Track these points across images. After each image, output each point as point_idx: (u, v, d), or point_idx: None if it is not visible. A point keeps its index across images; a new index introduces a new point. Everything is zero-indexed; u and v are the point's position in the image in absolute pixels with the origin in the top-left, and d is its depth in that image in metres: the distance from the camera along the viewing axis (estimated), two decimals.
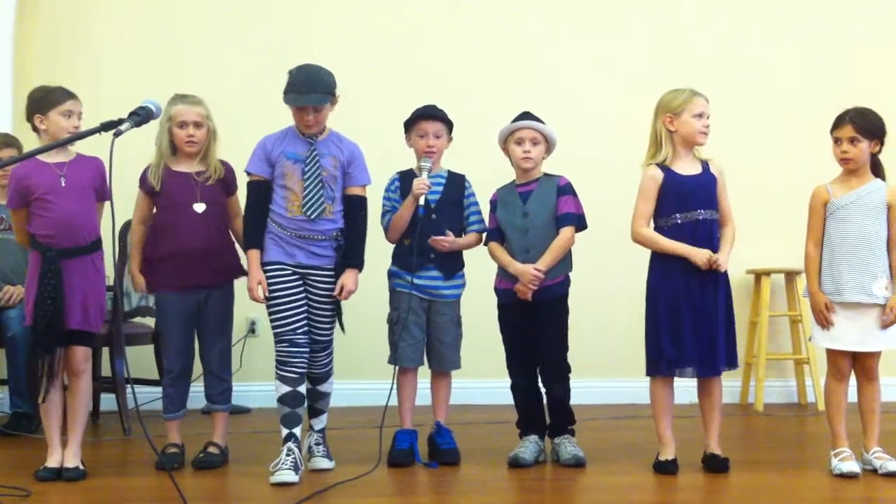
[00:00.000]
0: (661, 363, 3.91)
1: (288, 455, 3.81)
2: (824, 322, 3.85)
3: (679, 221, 3.91)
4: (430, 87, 5.47)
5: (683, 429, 4.27)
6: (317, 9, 5.89)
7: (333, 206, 3.95)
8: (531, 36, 5.95)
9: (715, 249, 3.87)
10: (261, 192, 3.95)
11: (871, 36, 6.04)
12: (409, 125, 4.27)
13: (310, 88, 3.87)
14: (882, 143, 3.88)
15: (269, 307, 3.94)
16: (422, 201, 4.10)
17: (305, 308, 3.95)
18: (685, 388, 4.19)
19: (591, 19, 6.00)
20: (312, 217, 3.89)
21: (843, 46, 6.01)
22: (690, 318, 3.85)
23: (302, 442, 3.99)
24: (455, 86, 5.73)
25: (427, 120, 4.22)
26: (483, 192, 4.32)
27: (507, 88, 5.73)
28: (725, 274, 3.91)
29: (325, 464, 3.99)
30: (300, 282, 3.94)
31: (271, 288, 3.91)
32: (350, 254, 3.97)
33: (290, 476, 3.74)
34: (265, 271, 3.92)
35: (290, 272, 3.92)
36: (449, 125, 4.27)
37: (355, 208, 4.00)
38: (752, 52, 5.99)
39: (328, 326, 4.01)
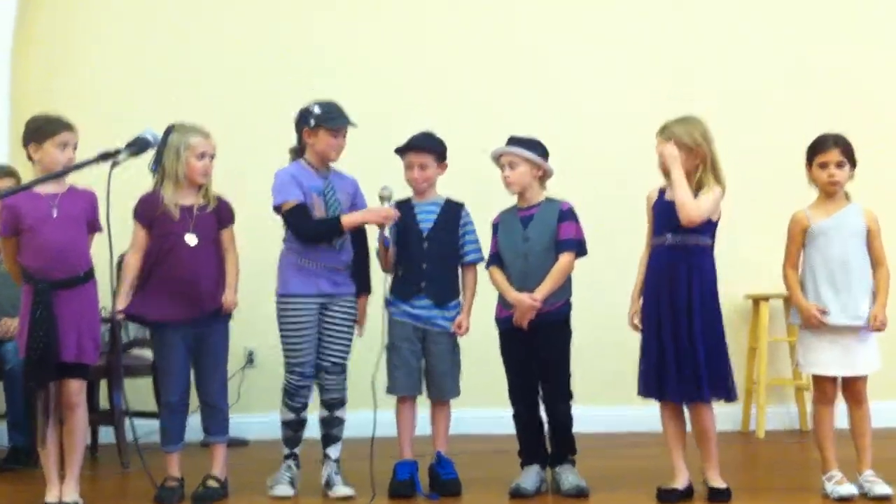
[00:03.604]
0: (639, 384, 3.95)
1: (287, 471, 4.11)
2: (817, 322, 3.87)
3: (654, 244, 3.96)
4: (442, 106, 5.51)
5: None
6: (318, 32, 5.88)
7: (346, 238, 4.11)
8: (540, 56, 5.96)
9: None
10: (307, 211, 4.04)
11: (871, 58, 6.05)
12: (400, 156, 4.27)
13: (345, 115, 4.11)
14: (853, 170, 3.96)
15: (283, 335, 4.10)
16: (387, 232, 4.09)
17: (318, 340, 4.10)
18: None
19: (599, 37, 6.01)
20: (339, 248, 4.08)
21: (847, 72, 6.00)
22: (669, 344, 3.83)
23: (312, 472, 4.15)
24: (471, 104, 5.76)
25: (411, 151, 4.22)
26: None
27: (518, 110, 5.71)
28: (704, 300, 3.84)
29: (347, 491, 4.05)
30: (317, 314, 4.09)
31: (289, 316, 4.08)
32: (365, 281, 4.21)
33: (286, 490, 4.05)
34: (287, 302, 4.08)
35: (309, 304, 4.07)
36: (437, 154, 4.23)
37: (362, 239, 4.22)
38: (754, 74, 5.98)
39: (344, 350, 4.16)
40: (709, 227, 3.88)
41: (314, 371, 4.10)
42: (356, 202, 4.21)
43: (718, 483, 3.87)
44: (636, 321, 4.01)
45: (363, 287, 4.23)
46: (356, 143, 4.22)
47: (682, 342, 3.81)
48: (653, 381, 3.89)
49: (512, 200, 4.29)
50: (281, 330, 4.11)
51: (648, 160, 4.06)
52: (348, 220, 4.05)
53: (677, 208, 3.79)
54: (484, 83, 5.87)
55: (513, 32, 5.96)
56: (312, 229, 4.07)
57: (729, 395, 3.91)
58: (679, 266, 3.85)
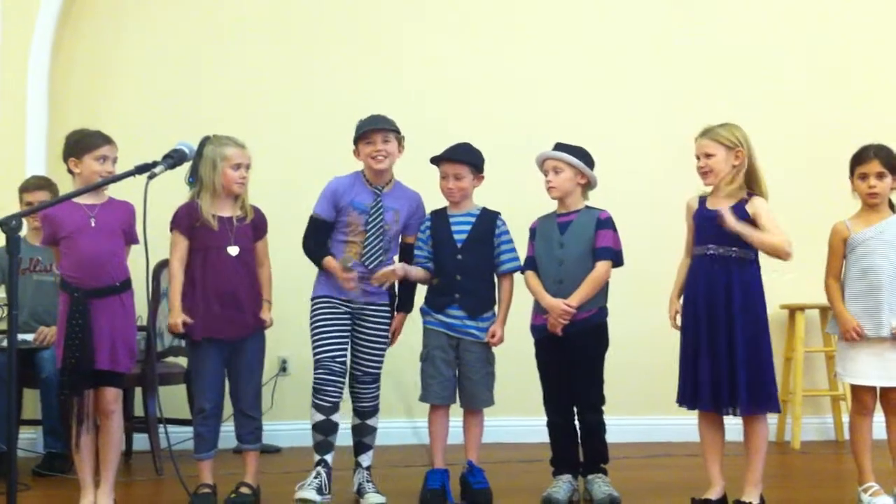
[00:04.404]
0: (679, 394, 3.93)
1: (316, 478, 4.04)
2: (856, 338, 3.86)
3: (695, 253, 3.93)
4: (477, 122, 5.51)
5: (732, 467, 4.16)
6: (361, 47, 5.90)
7: (386, 256, 4.16)
8: (578, 68, 5.95)
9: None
10: (322, 227, 4.15)
11: None
12: (436, 165, 4.28)
13: (377, 119, 4.14)
14: None
15: (312, 333, 4.12)
16: (349, 263, 4.06)
17: (348, 341, 4.12)
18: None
19: (632, 48, 5.98)
20: (371, 267, 4.09)
21: (884, 82, 5.95)
22: (705, 354, 3.81)
23: (344, 478, 4.15)
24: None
25: (446, 161, 4.23)
26: None
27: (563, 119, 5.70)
28: (746, 311, 3.80)
29: (378, 499, 4.06)
30: (348, 316, 4.11)
31: (318, 315, 4.12)
32: (403, 299, 4.23)
33: (312, 494, 3.97)
34: (316, 302, 4.14)
35: (338, 304, 4.10)
36: (472, 165, 4.21)
37: (410, 258, 4.23)
38: (790, 84, 5.94)
39: (377, 359, 4.17)
40: None
41: (343, 370, 4.09)
42: (412, 221, 4.21)
43: (750, 497, 3.81)
44: (678, 321, 3.97)
45: (403, 305, 4.25)
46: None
47: (720, 353, 3.78)
48: (688, 391, 3.88)
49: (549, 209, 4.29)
50: (310, 330, 4.14)
51: (684, 170, 4.04)
52: (326, 263, 4.09)
53: (774, 254, 3.79)
54: (525, 93, 5.87)
55: (552, 48, 5.95)
56: (308, 248, 4.17)
57: (770, 407, 3.86)
58: (720, 276, 3.83)
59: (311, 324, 4.14)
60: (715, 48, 5.95)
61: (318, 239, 4.15)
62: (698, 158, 3.92)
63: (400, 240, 4.25)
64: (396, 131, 4.15)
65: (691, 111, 4.81)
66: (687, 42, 5.96)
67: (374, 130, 4.09)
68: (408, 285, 4.25)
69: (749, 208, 3.85)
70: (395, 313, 4.25)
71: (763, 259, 3.92)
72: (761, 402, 3.81)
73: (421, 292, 4.30)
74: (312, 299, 4.17)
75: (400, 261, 4.24)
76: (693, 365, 3.85)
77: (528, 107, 5.81)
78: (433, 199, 4.32)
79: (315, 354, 4.11)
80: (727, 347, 3.78)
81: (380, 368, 4.18)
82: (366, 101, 4.55)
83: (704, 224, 3.89)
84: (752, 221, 3.82)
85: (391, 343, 4.25)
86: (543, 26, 5.96)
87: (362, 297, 4.12)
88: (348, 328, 4.12)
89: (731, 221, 3.73)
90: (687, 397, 3.90)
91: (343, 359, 4.09)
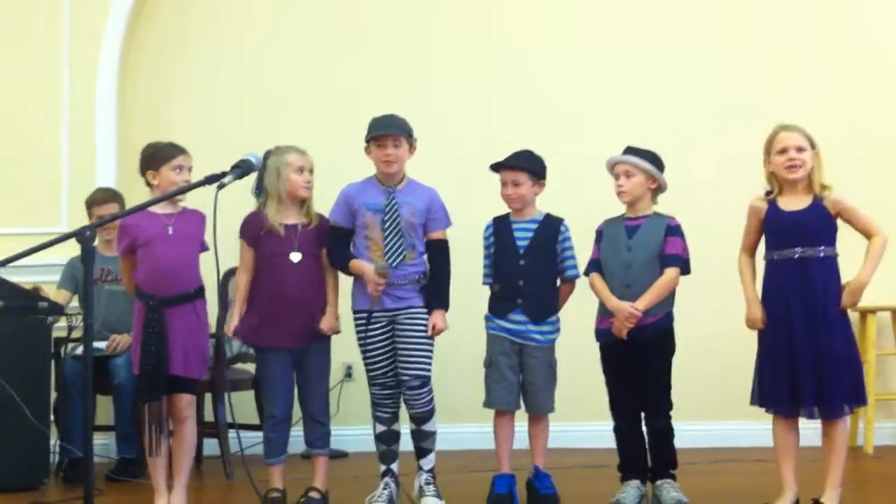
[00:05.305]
0: (760, 396, 3.88)
1: (385, 489, 4.08)
2: None
3: (775, 258, 3.88)
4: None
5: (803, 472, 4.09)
6: (404, 63, 5.94)
7: (413, 252, 4.11)
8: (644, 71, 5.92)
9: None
10: (341, 236, 4.14)
11: None
12: (496, 173, 4.28)
13: (388, 123, 4.11)
14: None
15: (361, 351, 4.15)
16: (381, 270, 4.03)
17: (393, 352, 4.11)
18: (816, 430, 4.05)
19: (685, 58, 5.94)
20: (395, 265, 4.05)
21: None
22: (806, 358, 3.75)
23: (411, 483, 4.15)
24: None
25: (504, 168, 4.23)
26: None
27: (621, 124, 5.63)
28: (838, 312, 3.78)
29: (435, 503, 4.04)
30: (388, 326, 4.10)
31: (361, 333, 4.12)
32: (435, 296, 4.14)
33: None
34: (356, 316, 4.14)
35: (377, 318, 4.09)
36: (531, 172, 4.20)
37: (438, 252, 4.18)
38: (851, 85, 5.84)
39: (422, 363, 4.11)
40: (835, 237, 3.84)
41: (395, 381, 4.10)
42: (431, 216, 4.15)
43: (830, 500, 3.77)
44: (761, 323, 3.90)
45: (436, 302, 4.12)
46: (453, 161, 4.23)
47: (823, 356, 3.74)
48: (779, 396, 3.81)
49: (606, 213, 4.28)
50: (358, 346, 4.16)
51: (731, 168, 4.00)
52: (354, 265, 4.07)
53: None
54: (589, 98, 5.85)
55: (613, 51, 5.93)
56: (331, 258, 4.14)
57: (863, 401, 3.87)
58: (815, 277, 3.79)
59: (358, 340, 4.15)
60: (763, 52, 5.87)
61: (340, 247, 4.14)
62: (785, 151, 3.84)
63: (425, 237, 4.17)
64: (408, 133, 4.13)
65: (756, 114, 4.74)
66: (753, 37, 5.88)
67: (384, 135, 4.09)
68: (437, 281, 4.15)
69: (828, 205, 3.82)
70: (433, 311, 4.12)
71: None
72: (860, 398, 3.81)
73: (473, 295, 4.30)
74: (353, 312, 4.16)
75: (429, 257, 4.16)
76: (790, 369, 3.78)
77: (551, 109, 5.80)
78: (450, 203, 4.30)
79: (367, 372, 4.15)
80: (827, 349, 3.74)
81: (427, 371, 4.12)
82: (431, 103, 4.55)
83: (784, 227, 3.84)
84: (831, 217, 3.81)
85: (433, 336, 4.12)
86: (565, 29, 5.94)
87: (394, 304, 4.09)
88: (390, 339, 4.10)
89: (855, 296, 3.77)
90: (775, 401, 3.84)
91: (393, 371, 4.11)
